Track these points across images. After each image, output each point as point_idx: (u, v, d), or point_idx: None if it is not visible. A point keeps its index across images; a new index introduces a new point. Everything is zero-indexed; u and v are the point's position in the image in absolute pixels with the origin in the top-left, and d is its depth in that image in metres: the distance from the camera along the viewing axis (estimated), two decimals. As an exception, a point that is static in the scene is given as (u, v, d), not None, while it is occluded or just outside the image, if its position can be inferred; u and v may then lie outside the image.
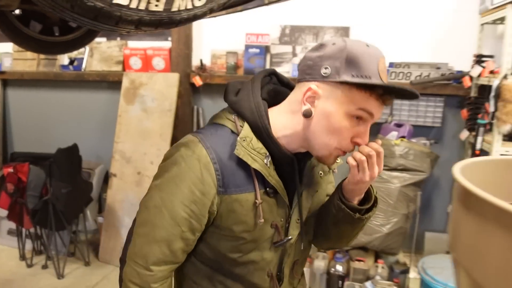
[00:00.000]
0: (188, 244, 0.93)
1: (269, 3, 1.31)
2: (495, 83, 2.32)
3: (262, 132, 0.89)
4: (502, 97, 2.25)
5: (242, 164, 0.88)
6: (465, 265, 0.37)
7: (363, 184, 0.89)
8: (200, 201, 0.88)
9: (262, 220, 0.90)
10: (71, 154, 2.77)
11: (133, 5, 0.69)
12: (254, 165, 0.87)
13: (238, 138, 0.87)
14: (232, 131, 0.91)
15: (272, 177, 0.89)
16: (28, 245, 3.09)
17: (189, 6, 0.75)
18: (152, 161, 3.04)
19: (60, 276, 2.84)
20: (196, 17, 0.77)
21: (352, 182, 0.90)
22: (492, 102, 2.34)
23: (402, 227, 2.65)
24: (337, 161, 0.95)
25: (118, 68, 3.30)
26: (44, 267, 2.96)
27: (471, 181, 0.36)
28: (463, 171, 0.38)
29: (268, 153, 0.89)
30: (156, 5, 0.72)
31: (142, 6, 0.70)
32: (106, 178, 3.34)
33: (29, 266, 2.98)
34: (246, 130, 0.89)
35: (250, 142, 0.88)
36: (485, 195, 0.34)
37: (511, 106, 2.23)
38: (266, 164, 0.88)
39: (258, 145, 0.88)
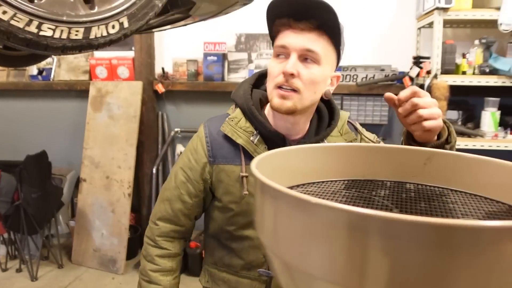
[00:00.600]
0: (186, 207, 1.10)
1: (195, 22, 1.48)
2: (426, 82, 2.56)
3: (247, 113, 1.05)
4: (433, 95, 2.48)
5: (230, 140, 1.04)
6: (270, 247, 0.48)
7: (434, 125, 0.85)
8: (194, 168, 1.08)
9: (246, 192, 1.02)
10: (40, 160, 2.91)
11: (56, 35, 0.87)
12: (239, 141, 1.03)
13: (227, 118, 1.06)
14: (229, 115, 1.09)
15: (258, 154, 0.87)
16: (2, 250, 3.21)
17: (104, 34, 0.92)
18: (120, 165, 3.20)
19: (33, 278, 2.98)
20: (112, 42, 0.95)
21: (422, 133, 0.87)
22: (425, 100, 2.57)
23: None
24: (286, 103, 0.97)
25: (85, 77, 3.45)
26: (18, 270, 3.09)
27: (266, 170, 0.53)
28: (260, 163, 0.55)
29: (255, 132, 1.04)
30: (76, 34, 0.89)
31: (64, 36, 0.88)
32: (78, 183, 3.48)
33: (4, 270, 3.11)
34: (236, 113, 1.07)
35: (238, 122, 1.05)
36: (267, 181, 0.45)
37: (441, 103, 2.46)
38: (253, 141, 1.03)
39: (246, 124, 1.05)
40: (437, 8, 2.47)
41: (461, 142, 2.62)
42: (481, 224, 0.37)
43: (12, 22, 0.80)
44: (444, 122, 0.90)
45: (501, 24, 2.44)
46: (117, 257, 3.12)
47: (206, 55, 3.12)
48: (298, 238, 0.45)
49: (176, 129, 3.35)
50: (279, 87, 0.96)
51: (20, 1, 0.80)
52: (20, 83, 3.63)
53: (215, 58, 3.11)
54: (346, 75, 3.00)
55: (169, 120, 3.40)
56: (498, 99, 2.65)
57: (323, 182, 0.67)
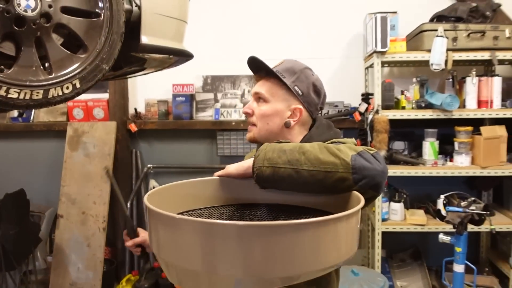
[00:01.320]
0: None
1: (150, 72, 1.74)
2: (369, 117, 2.85)
3: None
4: (375, 128, 2.77)
5: None
6: (165, 258, 0.72)
7: None
8: None
9: None
10: (18, 198, 3.08)
11: (21, 97, 1.11)
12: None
13: None
14: None
15: None
16: (-20, 286, 3.33)
17: (60, 93, 1.17)
18: (95, 201, 3.39)
19: (11, 312, 3.10)
20: (67, 99, 1.19)
21: None
22: (369, 132, 2.86)
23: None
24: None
25: (63, 118, 3.68)
26: (-4, 306, 3.21)
27: (157, 201, 0.77)
28: (152, 196, 0.80)
29: None
30: (37, 95, 1.14)
31: (27, 97, 1.12)
32: (56, 219, 3.64)
33: (-18, 306, 3.22)
34: None
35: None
36: (157, 209, 0.72)
37: (382, 135, 2.74)
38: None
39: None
40: (375, 52, 2.80)
41: (405, 170, 2.90)
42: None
43: (-14, 88, 1.04)
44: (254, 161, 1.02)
45: (432, 64, 2.76)
46: (92, 289, 3.26)
47: (175, 96, 3.39)
48: (170, 243, 0.69)
49: (149, 165, 3.57)
50: (248, 123, 1.33)
51: (-8, 72, 1.05)
52: (1, 125, 3.82)
53: (184, 98, 3.38)
54: (303, 112, 3.28)
55: (142, 157, 3.63)
56: (436, 130, 2.95)
57: (213, 207, 0.92)
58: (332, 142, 1.14)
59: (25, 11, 1.05)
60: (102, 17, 1.18)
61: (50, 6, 1.09)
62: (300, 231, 0.65)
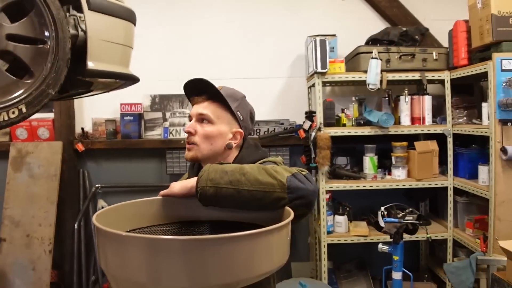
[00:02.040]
0: None
1: (97, 94, 1.78)
2: (312, 134, 3.01)
3: None
4: (318, 144, 2.92)
5: None
6: (113, 273, 0.79)
7: None
8: None
9: None
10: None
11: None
12: None
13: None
14: None
15: None
16: None
17: (6, 118, 1.19)
18: (40, 223, 3.30)
19: None
20: (14, 123, 1.22)
21: None
22: (312, 149, 3.01)
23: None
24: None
25: (5, 138, 3.56)
26: None
27: (104, 221, 0.83)
28: (100, 216, 0.86)
29: None
30: (-17, 121, 1.16)
31: (-27, 121, 1.14)
32: (-3, 243, 3.50)
33: None
34: None
35: None
36: (104, 228, 0.79)
37: (324, 151, 2.89)
38: None
39: None
40: (316, 72, 2.97)
41: (348, 184, 3.06)
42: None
43: None
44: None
45: (368, 84, 2.97)
46: (37, 314, 3.15)
47: (123, 115, 3.40)
48: (117, 258, 0.75)
49: (97, 185, 3.53)
50: (187, 143, 1.38)
51: None
52: None
53: (132, 117, 3.39)
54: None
55: (90, 176, 3.58)
56: (374, 145, 3.15)
57: (159, 225, 0.99)
58: (263, 161, 1.24)
59: (-30, 39, 1.08)
60: (48, 44, 1.22)
61: (-5, 34, 1.12)
62: (235, 243, 0.74)
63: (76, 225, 3.44)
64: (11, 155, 3.45)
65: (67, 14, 1.38)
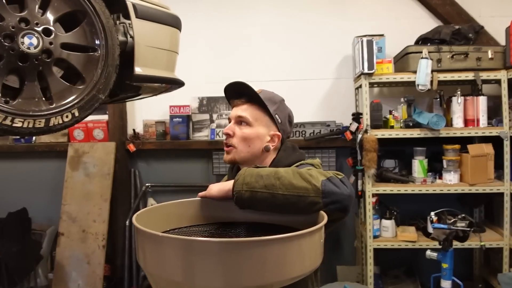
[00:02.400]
0: None
1: (145, 97, 1.85)
2: (359, 136, 2.95)
3: None
4: (364, 147, 2.87)
5: None
6: (150, 271, 0.83)
7: None
8: None
9: None
10: (20, 217, 3.18)
11: (25, 125, 1.22)
12: None
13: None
14: None
15: None
16: (-18, 304, 3.39)
17: (60, 122, 1.27)
18: (95, 219, 3.48)
19: (12, 330, 3.15)
20: (67, 126, 1.30)
21: None
22: (359, 151, 2.96)
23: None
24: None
25: (64, 139, 3.79)
26: (-3, 323, 3.26)
27: (143, 221, 0.87)
28: (140, 216, 0.90)
29: None
30: (39, 124, 1.24)
31: (30, 125, 1.23)
32: (57, 237, 3.72)
33: (-17, 323, 3.28)
34: None
35: None
36: (143, 228, 0.83)
37: (371, 154, 2.84)
38: None
39: None
40: (363, 73, 2.92)
41: (395, 188, 2.99)
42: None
43: (-7, 118, 1.15)
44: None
45: (418, 85, 2.88)
46: (91, 306, 3.33)
47: (172, 117, 3.51)
48: (154, 257, 0.79)
49: (147, 184, 3.67)
50: (225, 145, 1.40)
51: (-1, 104, 1.16)
52: (4, 146, 3.94)
53: (180, 119, 3.50)
54: (296, 131, 3.39)
55: (141, 176, 3.73)
56: (424, 148, 3.05)
57: (196, 225, 1.02)
58: (300, 164, 1.24)
59: (28, 48, 1.17)
60: (98, 51, 1.29)
61: (51, 43, 1.20)
62: (267, 246, 0.75)
63: (127, 222, 3.59)
64: (69, 155, 3.67)
65: (117, 22, 1.46)
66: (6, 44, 1.14)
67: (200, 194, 1.12)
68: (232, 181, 1.08)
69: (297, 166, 1.29)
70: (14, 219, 3.14)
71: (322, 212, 0.99)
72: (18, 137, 1.47)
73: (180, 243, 0.74)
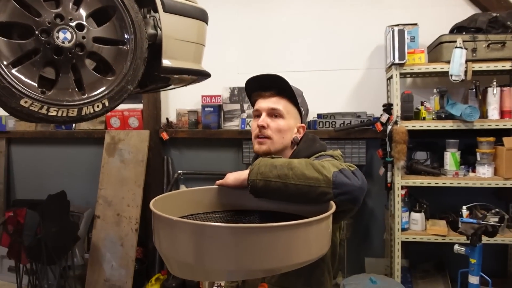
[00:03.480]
0: None
1: (174, 88, 1.92)
2: (389, 127, 2.92)
3: None
4: (394, 138, 2.84)
5: None
6: (165, 253, 0.90)
7: None
8: None
9: None
10: (60, 199, 3.36)
11: (59, 114, 1.30)
12: None
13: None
14: None
15: None
16: (25, 280, 3.62)
17: (91, 111, 1.35)
18: (129, 204, 3.63)
19: (51, 305, 3.36)
20: (98, 116, 1.38)
21: None
22: (388, 143, 2.93)
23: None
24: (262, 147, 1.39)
25: (102, 126, 3.95)
26: (39, 298, 3.49)
27: (161, 207, 0.93)
28: (158, 201, 0.95)
29: None
30: (72, 113, 1.32)
31: (64, 114, 1.31)
32: (93, 220, 3.91)
33: (26, 298, 3.51)
34: None
35: None
36: (158, 212, 0.89)
37: (400, 146, 2.81)
38: None
39: None
40: (394, 64, 2.87)
41: (425, 180, 2.94)
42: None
43: (31, 107, 1.24)
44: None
45: (451, 75, 2.81)
46: (124, 286, 3.48)
47: (204, 106, 3.58)
48: (169, 240, 0.85)
49: (179, 171, 3.78)
50: (257, 137, 1.40)
51: (35, 94, 1.25)
52: (46, 132, 4.15)
53: (212, 109, 3.57)
54: (326, 122, 3.39)
55: (173, 163, 3.85)
56: (457, 140, 2.98)
57: (213, 212, 1.07)
58: (320, 155, 1.26)
59: (63, 42, 1.24)
60: (128, 45, 1.36)
61: (83, 37, 1.28)
62: (276, 232, 0.79)
63: (160, 207, 3.71)
64: (106, 142, 3.82)
65: (146, 15, 1.52)
66: (43, 38, 1.22)
67: (218, 182, 1.18)
68: (247, 171, 1.12)
69: (317, 157, 1.31)
70: (54, 201, 3.32)
71: (331, 203, 1.02)
72: (52, 124, 1.58)
73: (192, 227, 0.79)
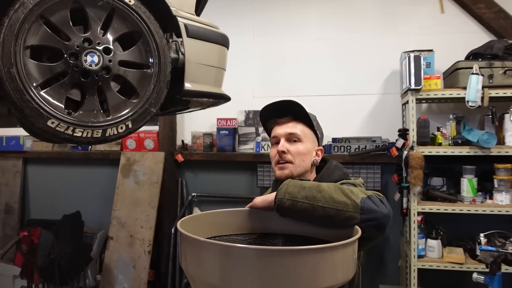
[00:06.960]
0: None
1: (194, 111, 1.95)
2: (404, 153, 2.91)
3: None
4: (410, 164, 2.82)
5: None
6: (191, 274, 0.90)
7: None
8: None
9: None
10: (74, 220, 3.38)
11: (84, 135, 1.33)
12: None
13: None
14: None
15: None
16: (37, 300, 3.61)
17: (115, 132, 1.38)
18: (142, 225, 3.63)
19: (62, 327, 3.33)
20: (121, 137, 1.40)
21: None
22: (404, 168, 2.91)
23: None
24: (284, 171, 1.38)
25: (117, 148, 4.00)
26: (50, 319, 3.46)
27: (188, 227, 0.93)
28: (185, 222, 0.96)
29: None
30: (97, 134, 1.35)
31: (89, 135, 1.34)
32: (106, 241, 3.91)
33: (37, 319, 3.48)
34: None
35: None
36: (186, 233, 0.90)
37: (417, 171, 2.78)
38: None
39: None
40: (410, 89, 2.88)
41: (442, 207, 2.91)
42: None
43: (57, 128, 1.27)
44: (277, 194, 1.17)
45: (468, 101, 2.80)
46: (136, 309, 3.45)
47: (219, 129, 3.61)
48: (195, 260, 0.85)
49: (193, 194, 3.79)
50: (278, 162, 1.41)
51: (62, 115, 1.28)
52: (63, 152, 4.21)
53: (227, 132, 3.60)
54: (340, 146, 3.39)
55: (187, 185, 3.86)
56: (474, 167, 2.95)
57: (238, 234, 1.08)
58: (342, 182, 1.27)
59: (90, 65, 1.28)
60: (152, 68, 1.39)
61: (110, 61, 1.31)
62: (302, 255, 0.79)
63: (173, 229, 3.71)
64: (121, 163, 3.86)
65: (170, 40, 1.56)
66: (71, 61, 1.26)
67: (247, 206, 1.19)
68: (275, 193, 1.13)
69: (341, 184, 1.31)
70: (69, 221, 3.34)
71: (357, 227, 1.02)
72: (81, 145, 1.61)
73: (219, 248, 0.80)
